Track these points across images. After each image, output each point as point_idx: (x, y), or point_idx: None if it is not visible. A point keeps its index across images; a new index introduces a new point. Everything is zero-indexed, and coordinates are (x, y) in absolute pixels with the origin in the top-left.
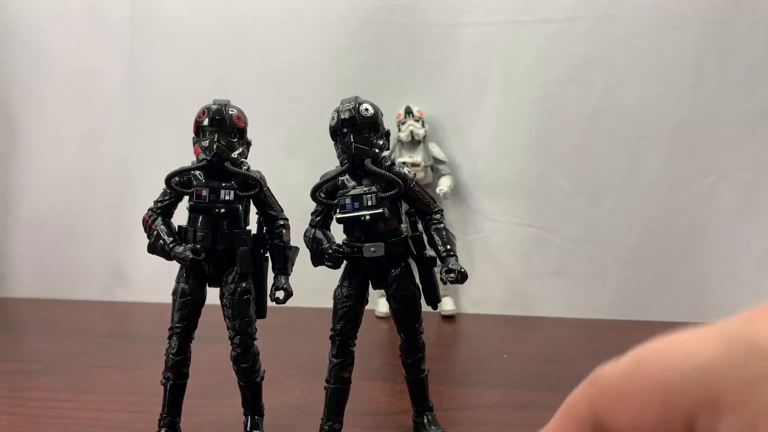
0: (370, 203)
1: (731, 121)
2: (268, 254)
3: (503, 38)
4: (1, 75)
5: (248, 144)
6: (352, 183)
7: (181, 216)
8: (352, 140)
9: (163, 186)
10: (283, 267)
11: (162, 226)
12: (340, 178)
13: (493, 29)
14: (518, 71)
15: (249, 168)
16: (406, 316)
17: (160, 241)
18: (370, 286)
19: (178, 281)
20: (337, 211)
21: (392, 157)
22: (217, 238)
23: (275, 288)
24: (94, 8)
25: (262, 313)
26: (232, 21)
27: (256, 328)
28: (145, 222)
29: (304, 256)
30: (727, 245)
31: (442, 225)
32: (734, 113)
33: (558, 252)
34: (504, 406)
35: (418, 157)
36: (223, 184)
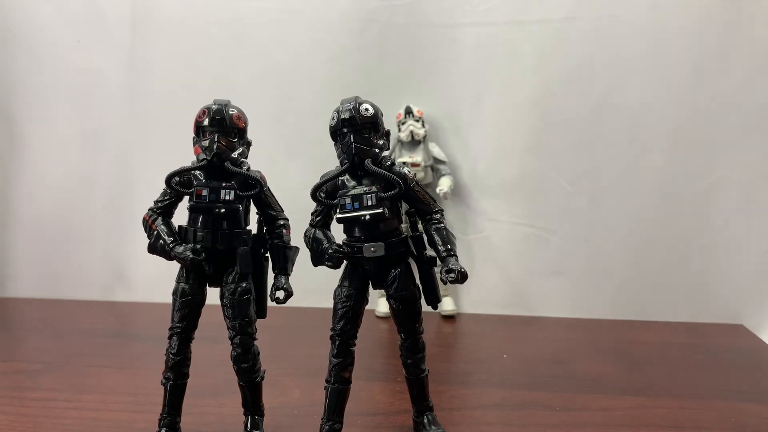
0: (370, 203)
1: (731, 121)
2: (268, 254)
3: (503, 38)
4: (1, 75)
5: (248, 144)
6: (352, 183)
7: (181, 216)
8: (352, 140)
9: (163, 186)
10: (284, 267)
11: (162, 226)
12: (340, 178)
13: (493, 29)
14: (518, 71)
15: (249, 168)
16: (406, 316)
17: (161, 241)
18: (370, 286)
19: (178, 281)
20: (337, 211)
21: (392, 157)
22: (218, 238)
23: (275, 288)
24: (94, 8)
25: (262, 313)
26: (232, 21)
27: (256, 328)
28: (145, 222)
29: (304, 256)
30: (727, 245)
31: (442, 225)
32: (734, 113)
33: (558, 252)
34: (504, 406)
35: (418, 157)
36: (224, 184)
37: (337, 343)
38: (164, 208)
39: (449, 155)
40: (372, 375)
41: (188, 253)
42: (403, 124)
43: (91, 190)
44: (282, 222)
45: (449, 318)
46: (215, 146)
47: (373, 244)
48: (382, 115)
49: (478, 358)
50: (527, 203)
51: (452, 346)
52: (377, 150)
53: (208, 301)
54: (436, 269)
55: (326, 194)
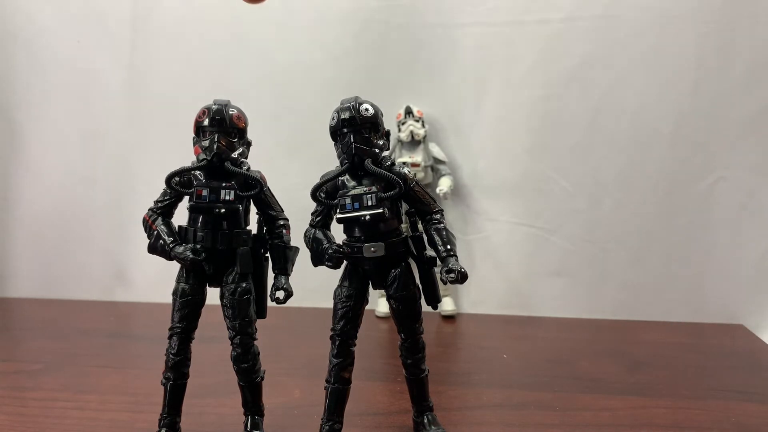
0: (370, 203)
1: (731, 121)
2: (268, 254)
3: (503, 38)
4: (1, 75)
5: (248, 144)
6: (352, 183)
7: (181, 216)
8: (352, 140)
9: (163, 186)
10: (284, 267)
11: (162, 226)
12: (340, 178)
13: (493, 29)
14: (518, 71)
15: (249, 168)
16: (406, 316)
17: (161, 241)
18: (370, 286)
19: (178, 281)
20: (337, 211)
21: (392, 157)
22: (218, 238)
23: (275, 288)
24: (94, 8)
25: (262, 313)
26: (232, 21)
27: (256, 328)
28: (145, 222)
29: (304, 256)
30: (727, 245)
31: (442, 225)
32: (734, 113)
33: (558, 252)
34: (504, 406)
35: (418, 157)
36: (224, 184)
37: (337, 343)
38: (164, 208)
39: (449, 155)
40: (372, 375)
41: (188, 253)
42: (403, 124)
43: (91, 190)
44: (282, 222)
45: (449, 318)
46: (215, 146)
47: (373, 244)
48: (382, 115)
49: (478, 358)
50: (527, 203)
51: (452, 346)
52: (377, 150)
53: (208, 301)
54: (436, 269)
55: (326, 194)
